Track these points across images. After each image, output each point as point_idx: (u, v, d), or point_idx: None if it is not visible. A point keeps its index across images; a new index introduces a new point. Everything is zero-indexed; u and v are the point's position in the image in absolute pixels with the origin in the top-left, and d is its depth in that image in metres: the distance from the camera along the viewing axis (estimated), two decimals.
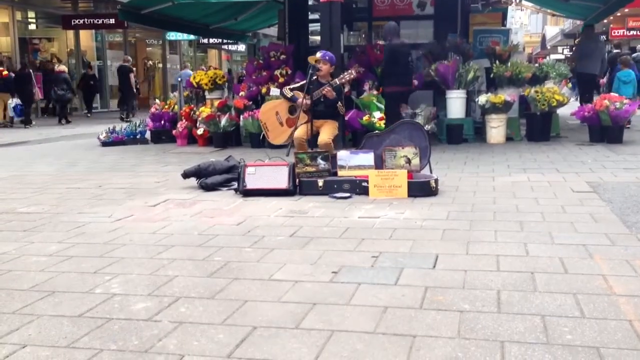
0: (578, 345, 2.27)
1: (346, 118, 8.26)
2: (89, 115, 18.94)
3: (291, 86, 6.70)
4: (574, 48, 15.90)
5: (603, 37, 23.41)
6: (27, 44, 19.79)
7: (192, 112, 10.11)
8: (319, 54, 6.41)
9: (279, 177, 5.40)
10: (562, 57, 36.25)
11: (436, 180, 5.30)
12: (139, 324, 2.58)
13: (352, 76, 6.45)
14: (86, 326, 2.58)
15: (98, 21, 19.30)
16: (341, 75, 6.37)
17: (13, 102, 15.40)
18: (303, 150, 6.05)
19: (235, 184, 5.65)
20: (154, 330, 2.52)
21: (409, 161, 5.57)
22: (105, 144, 10.44)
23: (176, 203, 5.23)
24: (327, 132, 6.29)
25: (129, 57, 19.38)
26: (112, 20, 18.44)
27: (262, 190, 5.38)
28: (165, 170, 7.35)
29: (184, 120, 10.16)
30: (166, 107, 11.01)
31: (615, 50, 14.69)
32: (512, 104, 9.14)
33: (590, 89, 12.57)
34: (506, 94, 9.00)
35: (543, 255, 3.41)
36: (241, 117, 9.52)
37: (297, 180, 5.48)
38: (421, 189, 5.21)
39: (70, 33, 20.63)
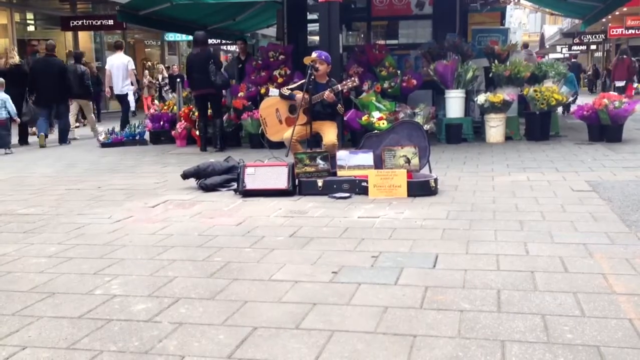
0: (579, 344, 2.27)
1: (345, 118, 8.27)
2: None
3: (290, 86, 6.71)
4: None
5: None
6: (26, 45, 19.76)
7: (191, 113, 10.10)
8: (314, 54, 6.42)
9: (279, 178, 5.40)
10: (561, 56, 36.43)
11: (436, 180, 5.30)
12: (139, 325, 2.58)
13: (354, 84, 6.71)
14: (86, 327, 2.57)
15: (97, 22, 19.26)
16: (344, 82, 6.53)
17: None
18: (294, 150, 6.07)
19: (234, 185, 5.65)
20: (154, 331, 2.51)
21: (408, 161, 5.58)
22: (104, 145, 10.44)
23: (176, 204, 5.23)
24: (332, 132, 6.34)
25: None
26: (111, 22, 18.39)
27: (261, 190, 5.38)
28: (164, 171, 7.35)
29: (183, 121, 10.16)
30: (165, 108, 11.01)
31: (572, 60, 18.27)
32: (511, 104, 9.15)
33: None
34: (505, 94, 9.00)
35: (543, 255, 3.41)
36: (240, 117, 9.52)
37: (297, 180, 5.49)
38: (421, 188, 5.21)
39: (69, 34, 20.59)
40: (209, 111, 9.40)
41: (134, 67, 12.78)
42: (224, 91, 9.66)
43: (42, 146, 10.62)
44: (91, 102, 12.90)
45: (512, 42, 11.24)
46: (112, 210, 5.03)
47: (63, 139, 11.35)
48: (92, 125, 12.59)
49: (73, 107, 12.19)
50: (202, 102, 9.38)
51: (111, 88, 12.39)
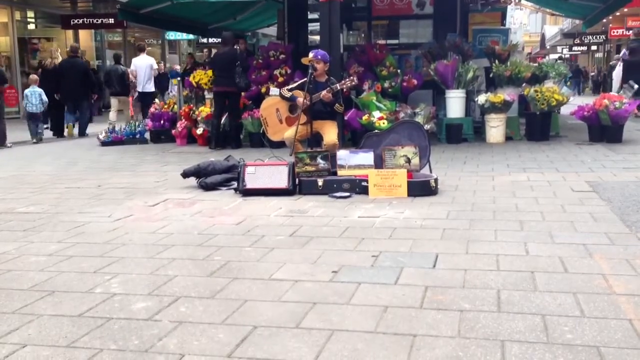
0: (578, 345, 2.28)
1: (345, 118, 8.28)
2: None
3: (289, 86, 6.70)
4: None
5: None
6: (27, 43, 19.75)
7: (191, 112, 10.11)
8: (311, 54, 6.44)
9: (279, 177, 5.40)
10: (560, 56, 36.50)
11: (436, 180, 5.30)
12: (139, 324, 2.58)
13: (353, 83, 6.70)
14: (86, 326, 2.57)
15: (97, 21, 19.24)
16: (342, 81, 6.50)
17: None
18: (296, 149, 6.07)
19: (234, 184, 5.65)
20: (154, 330, 2.51)
21: (408, 160, 5.57)
22: (104, 143, 10.44)
23: (176, 203, 5.23)
24: (333, 132, 6.34)
25: None
26: (112, 20, 18.38)
27: (261, 189, 5.37)
28: (164, 169, 7.35)
29: (183, 120, 10.16)
30: (165, 107, 11.01)
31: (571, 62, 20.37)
32: (512, 104, 9.14)
33: None
34: (505, 94, 9.00)
35: (543, 255, 3.41)
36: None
37: (297, 179, 5.49)
38: (421, 188, 5.21)
39: (70, 33, 20.58)
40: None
41: (157, 67, 14.21)
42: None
43: (71, 135, 12.39)
44: (130, 99, 13.87)
45: (513, 42, 11.23)
46: (112, 208, 5.03)
47: (82, 132, 12.50)
48: (127, 120, 13.15)
49: (113, 104, 13.15)
50: (221, 99, 9.47)
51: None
